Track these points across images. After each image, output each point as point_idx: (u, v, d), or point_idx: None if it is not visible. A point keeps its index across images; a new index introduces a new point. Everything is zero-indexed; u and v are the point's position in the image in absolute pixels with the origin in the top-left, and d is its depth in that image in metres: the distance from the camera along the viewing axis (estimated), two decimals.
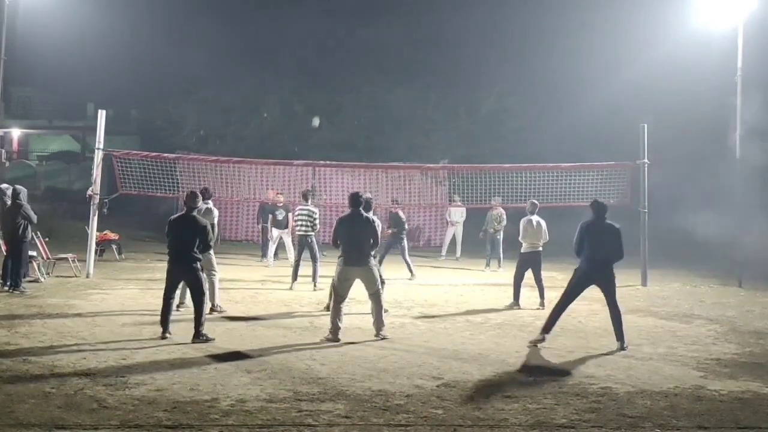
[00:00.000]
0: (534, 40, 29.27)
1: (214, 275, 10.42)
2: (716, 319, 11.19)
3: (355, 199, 9.15)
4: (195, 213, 8.96)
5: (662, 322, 10.80)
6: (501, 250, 17.13)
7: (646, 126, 15.42)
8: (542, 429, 5.80)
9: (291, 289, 13.15)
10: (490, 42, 30.35)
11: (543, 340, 8.83)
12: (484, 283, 15.01)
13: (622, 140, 18.49)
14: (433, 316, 10.83)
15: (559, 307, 8.97)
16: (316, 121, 13.27)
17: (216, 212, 10.91)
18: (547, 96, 28.41)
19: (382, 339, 8.90)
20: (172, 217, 9.21)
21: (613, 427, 5.89)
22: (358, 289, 11.87)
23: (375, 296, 9.04)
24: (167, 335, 8.66)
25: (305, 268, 13.44)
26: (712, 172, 19.99)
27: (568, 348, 8.79)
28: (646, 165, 15.18)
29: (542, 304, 11.55)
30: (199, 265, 8.77)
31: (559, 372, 7.61)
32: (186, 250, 8.68)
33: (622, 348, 8.68)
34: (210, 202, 10.84)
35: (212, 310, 10.26)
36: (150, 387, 6.57)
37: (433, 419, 5.94)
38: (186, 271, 8.73)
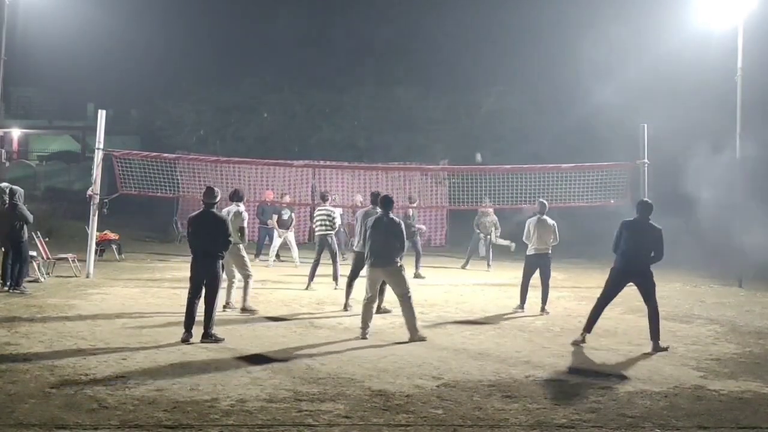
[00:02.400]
0: (534, 40, 29.24)
1: (250, 277, 10.60)
2: (716, 319, 11.19)
3: (385, 202, 9.14)
4: (214, 209, 8.89)
5: (662, 322, 10.73)
6: (490, 250, 17.62)
7: (646, 126, 15.43)
8: (542, 429, 5.80)
9: (307, 288, 13.09)
10: (490, 41, 30.34)
11: (583, 340, 8.91)
12: (484, 283, 15.01)
13: (622, 140, 18.50)
14: (433, 316, 10.82)
15: (597, 306, 9.08)
16: (479, 157, 13.71)
17: (246, 215, 11.00)
18: (547, 96, 28.40)
19: (420, 341, 8.80)
20: (192, 214, 9.14)
21: (613, 427, 5.89)
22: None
23: (403, 298, 8.97)
24: (189, 338, 8.50)
25: (323, 267, 13.47)
26: (711, 171, 20.00)
27: (568, 348, 8.79)
28: (646, 165, 15.18)
29: (543, 309, 11.29)
30: (220, 263, 8.73)
31: (560, 372, 7.61)
32: (207, 247, 8.66)
33: (656, 348, 8.59)
34: (242, 204, 10.89)
35: (243, 309, 10.50)
36: (150, 387, 6.57)
37: (433, 419, 5.93)
38: (207, 268, 8.66)
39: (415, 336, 8.92)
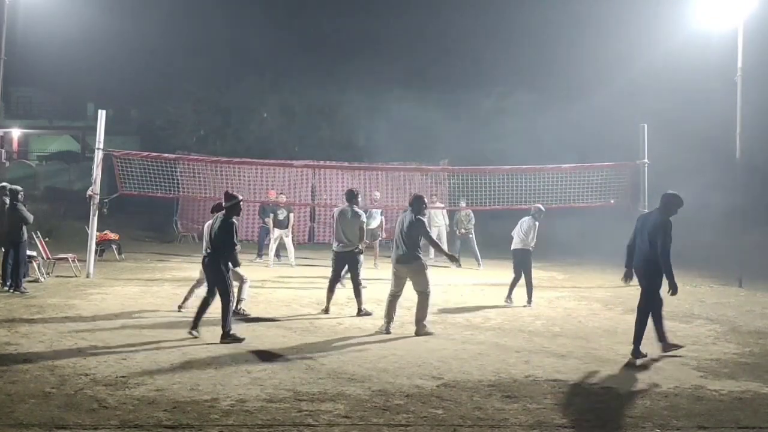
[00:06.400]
0: (535, 40, 29.31)
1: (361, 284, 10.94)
2: (716, 319, 11.18)
3: (417, 202, 9.47)
4: (225, 216, 9.05)
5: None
6: (476, 248, 17.94)
7: (646, 126, 15.43)
8: (542, 429, 5.80)
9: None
10: (490, 41, 30.39)
11: (679, 346, 8.55)
12: (484, 283, 15.00)
13: (623, 140, 18.52)
14: (433, 317, 10.81)
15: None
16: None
17: (364, 217, 11.28)
18: (548, 96, 28.44)
19: (427, 335, 9.21)
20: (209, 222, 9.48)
21: (613, 427, 5.89)
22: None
23: (421, 295, 9.38)
24: (195, 333, 8.71)
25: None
26: (711, 172, 20.01)
27: (568, 348, 8.79)
28: (646, 165, 15.19)
29: (529, 302, 11.94)
30: (222, 266, 8.79)
31: (559, 372, 7.61)
32: (211, 250, 8.87)
33: (637, 355, 8.21)
34: (355, 207, 11.02)
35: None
36: (150, 387, 6.57)
37: (433, 419, 5.93)
38: (210, 270, 8.87)
39: (421, 331, 9.28)
